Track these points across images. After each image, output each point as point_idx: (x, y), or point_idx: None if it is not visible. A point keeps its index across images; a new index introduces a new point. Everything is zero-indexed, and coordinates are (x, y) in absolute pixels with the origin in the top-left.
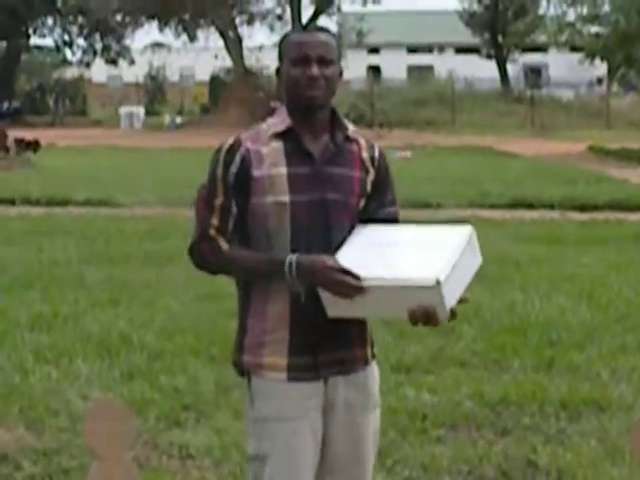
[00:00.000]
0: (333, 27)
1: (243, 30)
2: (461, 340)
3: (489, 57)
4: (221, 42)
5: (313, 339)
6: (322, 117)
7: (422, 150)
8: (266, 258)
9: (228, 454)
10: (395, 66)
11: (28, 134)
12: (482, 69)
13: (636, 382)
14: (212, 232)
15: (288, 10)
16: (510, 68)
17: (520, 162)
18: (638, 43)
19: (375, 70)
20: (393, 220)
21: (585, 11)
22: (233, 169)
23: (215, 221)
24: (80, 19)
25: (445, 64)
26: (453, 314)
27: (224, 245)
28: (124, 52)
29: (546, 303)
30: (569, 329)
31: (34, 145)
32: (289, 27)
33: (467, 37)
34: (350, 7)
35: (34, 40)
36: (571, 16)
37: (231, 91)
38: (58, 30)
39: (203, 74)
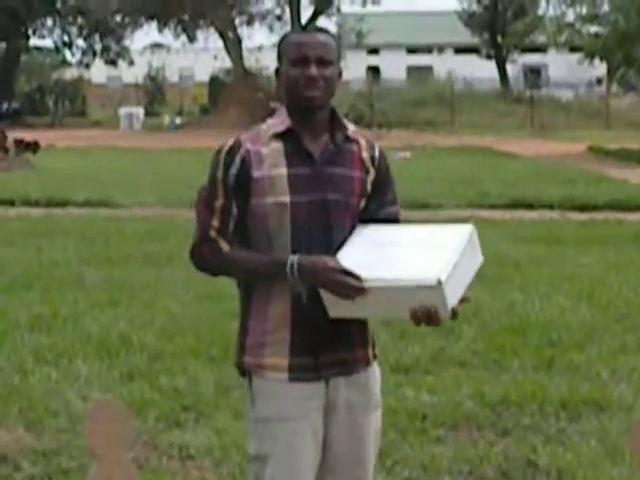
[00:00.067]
0: (332, 28)
1: (242, 31)
2: (461, 340)
3: (488, 57)
4: (220, 43)
5: (314, 340)
6: (322, 117)
7: (421, 150)
8: (267, 259)
9: (228, 454)
10: (394, 67)
11: (27, 135)
12: (481, 69)
13: (636, 382)
14: (213, 234)
15: (287, 11)
16: (509, 68)
17: (519, 162)
18: (637, 43)
19: (374, 71)
20: (394, 220)
21: (584, 11)
22: (233, 170)
23: (216, 223)
24: (79, 20)
25: (444, 64)
26: (455, 313)
27: (225, 246)
28: (123, 53)
29: (546, 303)
30: (569, 329)
31: (33, 146)
32: (288, 28)
33: (466, 37)
34: (349, 8)
35: (34, 41)
36: (570, 16)
37: (230, 92)
38: (57, 31)
39: (202, 75)
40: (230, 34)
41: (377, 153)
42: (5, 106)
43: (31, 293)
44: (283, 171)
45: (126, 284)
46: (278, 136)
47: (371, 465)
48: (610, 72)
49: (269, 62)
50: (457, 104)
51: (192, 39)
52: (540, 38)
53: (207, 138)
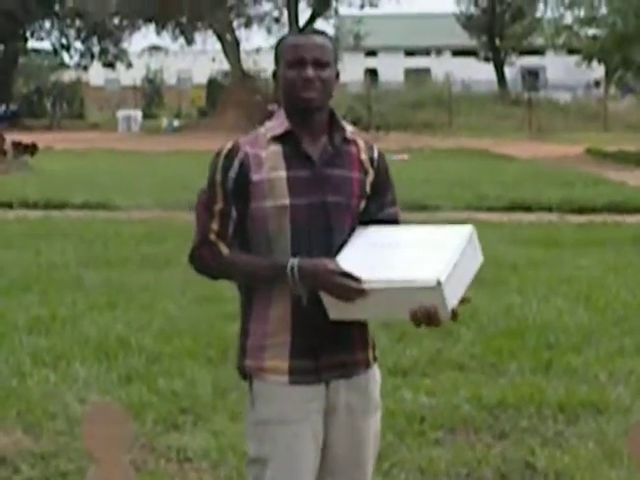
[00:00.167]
0: (330, 30)
1: (240, 33)
2: (459, 343)
3: (486, 60)
4: (218, 45)
5: (315, 342)
6: (320, 119)
7: (419, 153)
8: (267, 262)
9: (225, 457)
10: (392, 69)
11: (25, 137)
12: (479, 72)
13: (634, 384)
14: (212, 237)
15: (285, 13)
16: (507, 71)
17: (517, 165)
18: (635, 45)
19: (372, 73)
20: (394, 221)
21: (582, 14)
22: (232, 174)
23: (215, 226)
24: (77, 22)
25: (442, 67)
26: (455, 314)
27: (224, 250)
28: (121, 55)
29: (543, 306)
30: (567, 332)
31: (31, 148)
32: (286, 30)
33: (464, 40)
34: (347, 10)
35: (31, 43)
36: (568, 19)
37: (229, 94)
38: (56, 33)
39: (200, 77)
40: (228, 36)
41: (376, 154)
42: (3, 108)
43: (29, 295)
44: (282, 174)
45: (124, 286)
46: (277, 139)
47: (370, 468)
48: (608, 74)
49: (267, 64)
50: (455, 106)
51: (190, 41)
52: (538, 40)
53: (205, 141)
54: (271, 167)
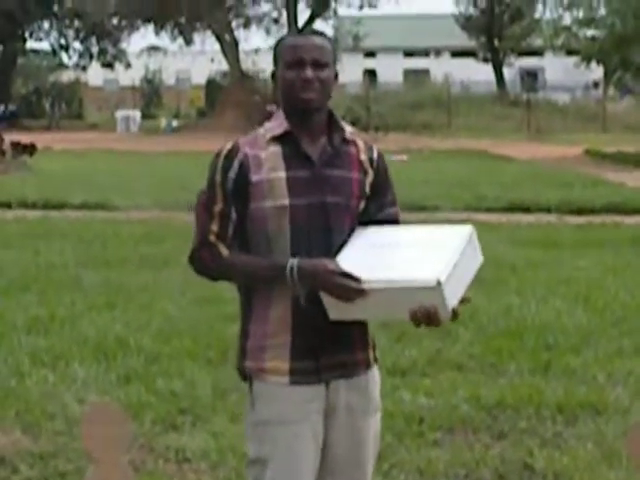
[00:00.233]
0: (329, 31)
1: (239, 33)
2: (457, 343)
3: (485, 61)
4: (217, 45)
5: (315, 343)
6: (319, 120)
7: (418, 153)
8: (267, 263)
9: (224, 458)
10: (391, 70)
11: (24, 137)
12: (478, 73)
13: (632, 385)
14: (212, 238)
15: (284, 13)
16: (506, 72)
17: (516, 166)
18: (634, 46)
19: (371, 74)
20: (394, 221)
21: (581, 14)
22: (231, 175)
23: (215, 227)
24: (76, 23)
25: (441, 68)
26: (455, 314)
27: (224, 251)
28: (120, 55)
29: (542, 306)
30: (565, 332)
31: (30, 148)
32: (285, 30)
33: (463, 41)
34: (346, 11)
35: (30, 44)
36: (567, 20)
37: (227, 94)
38: (54, 34)
39: (199, 77)
40: (227, 37)
41: (375, 155)
42: (2, 109)
43: (28, 295)
44: (282, 174)
45: (123, 287)
46: (276, 139)
47: (370, 468)
48: (607, 75)
49: (266, 65)
50: (454, 107)
51: (189, 42)
52: (537, 41)
53: (204, 141)
54: (270, 168)
